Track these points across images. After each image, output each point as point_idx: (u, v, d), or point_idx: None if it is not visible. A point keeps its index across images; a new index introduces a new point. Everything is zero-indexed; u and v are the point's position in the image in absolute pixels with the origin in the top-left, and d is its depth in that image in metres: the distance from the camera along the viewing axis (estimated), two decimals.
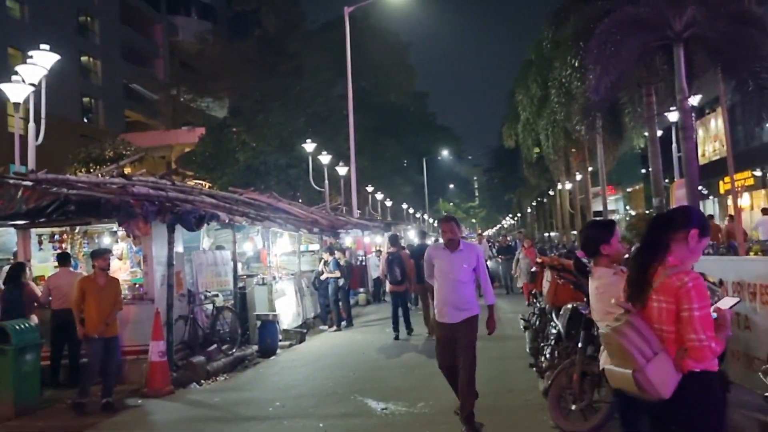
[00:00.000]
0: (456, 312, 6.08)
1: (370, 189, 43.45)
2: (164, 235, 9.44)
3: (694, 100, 18.26)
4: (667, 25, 14.04)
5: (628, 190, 47.54)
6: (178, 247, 9.87)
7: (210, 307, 10.89)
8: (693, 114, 16.38)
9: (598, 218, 7.76)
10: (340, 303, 14.59)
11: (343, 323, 14.49)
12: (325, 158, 28.59)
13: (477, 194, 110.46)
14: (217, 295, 11.14)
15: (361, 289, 20.03)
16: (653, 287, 3.07)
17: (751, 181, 25.15)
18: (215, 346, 10.36)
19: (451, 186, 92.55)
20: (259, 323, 11.59)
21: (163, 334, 8.80)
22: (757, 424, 4.84)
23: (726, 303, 3.78)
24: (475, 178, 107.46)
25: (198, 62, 41.89)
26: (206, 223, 10.24)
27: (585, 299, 5.96)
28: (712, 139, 28.11)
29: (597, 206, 34.47)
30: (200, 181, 31.54)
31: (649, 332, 3.00)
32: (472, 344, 6.05)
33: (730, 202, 21.20)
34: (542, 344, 7.63)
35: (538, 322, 8.25)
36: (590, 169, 35.17)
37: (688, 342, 2.93)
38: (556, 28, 22.45)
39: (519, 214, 79.04)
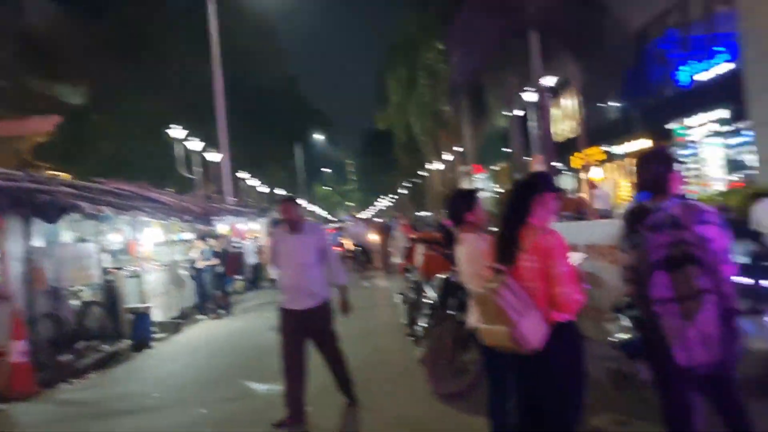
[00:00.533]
0: (305, 298, 5.71)
1: (244, 175, 42.60)
2: (20, 229, 8.84)
3: (550, 81, 19.52)
4: (522, 10, 14.90)
5: (494, 168, 49.81)
6: (38, 241, 9.28)
7: (76, 302, 10.34)
8: (548, 94, 17.50)
9: (461, 188, 8.19)
10: (218, 291, 14.33)
11: (222, 311, 14.26)
12: (196, 144, 27.69)
13: (354, 177, 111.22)
14: (82, 290, 10.60)
15: (238, 276, 19.72)
16: (522, 248, 3.35)
17: (603, 156, 27.12)
18: (84, 342, 9.87)
19: (328, 170, 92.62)
20: (131, 316, 11.16)
21: (24, 332, 8.27)
22: (605, 371, 5.35)
23: (574, 259, 4.16)
24: (350, 161, 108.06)
25: (49, 46, 38.84)
26: (67, 214, 9.70)
27: (454, 268, 6.30)
28: (567, 117, 30.05)
29: (466, 185, 35.88)
30: (58, 173, 29.49)
31: (520, 290, 3.29)
32: (332, 329, 5.97)
33: (582, 175, 22.91)
34: (417, 315, 7.95)
35: (412, 294, 8.59)
36: (460, 149, 36.56)
37: (557, 296, 3.26)
38: (421, 11, 23.11)
39: (394, 196, 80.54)
